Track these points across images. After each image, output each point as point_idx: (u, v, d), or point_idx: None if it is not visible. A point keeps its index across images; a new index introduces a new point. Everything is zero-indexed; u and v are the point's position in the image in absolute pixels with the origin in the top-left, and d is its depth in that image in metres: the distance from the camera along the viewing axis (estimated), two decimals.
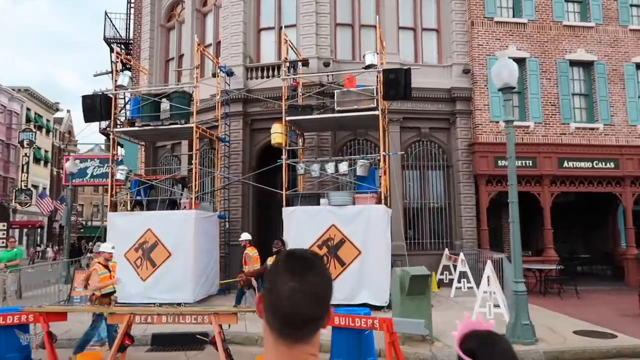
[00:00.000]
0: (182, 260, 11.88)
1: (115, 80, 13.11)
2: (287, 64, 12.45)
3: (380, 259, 11.25)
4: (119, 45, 19.83)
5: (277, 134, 12.04)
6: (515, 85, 8.88)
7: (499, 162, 14.79)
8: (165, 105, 13.32)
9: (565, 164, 15.01)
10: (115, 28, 20.13)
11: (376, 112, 11.57)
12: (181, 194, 12.95)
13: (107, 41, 19.99)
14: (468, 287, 12.83)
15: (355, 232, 11.32)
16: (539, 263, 14.03)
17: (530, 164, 14.85)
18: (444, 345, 8.12)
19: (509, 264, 11.33)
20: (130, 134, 13.42)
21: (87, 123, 13.15)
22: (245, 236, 10.91)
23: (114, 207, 13.07)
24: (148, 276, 12.01)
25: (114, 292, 8.04)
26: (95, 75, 23.66)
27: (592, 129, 15.52)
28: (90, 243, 46.88)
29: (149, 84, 15.61)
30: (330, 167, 11.88)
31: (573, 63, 15.76)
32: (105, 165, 20.53)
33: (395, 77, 11.31)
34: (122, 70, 13.93)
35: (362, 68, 12.01)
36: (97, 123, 18.85)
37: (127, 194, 13.25)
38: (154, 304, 10.95)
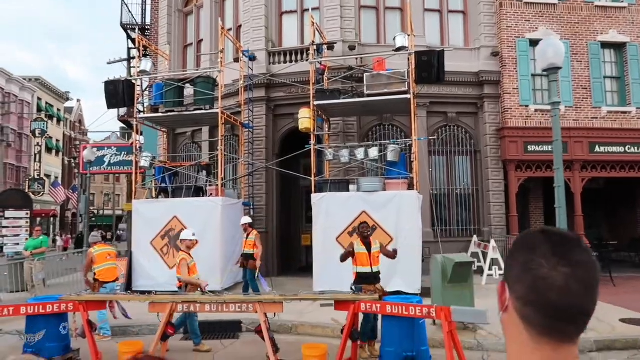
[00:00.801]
0: (209, 247, 11.68)
1: (133, 67, 12.87)
2: (315, 47, 12.10)
3: (412, 246, 10.99)
4: (134, 30, 19.53)
5: (305, 119, 11.75)
6: (562, 65, 8.51)
7: (528, 147, 14.45)
8: (188, 90, 13.09)
9: (597, 149, 14.61)
10: (132, 14, 19.83)
11: (407, 96, 11.24)
12: (206, 181, 12.72)
13: (124, 27, 19.69)
14: (499, 275, 12.56)
15: (386, 219, 11.07)
16: None
17: (562, 149, 14.43)
18: (488, 333, 7.89)
19: None
20: (153, 120, 13.18)
21: (110, 109, 12.93)
22: (246, 219, 10.83)
23: (137, 195, 12.88)
24: (175, 264, 11.82)
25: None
26: (109, 63, 23.51)
27: (625, 112, 15.08)
28: (110, 233, 47.08)
29: (168, 70, 15.32)
30: (360, 153, 11.58)
31: (605, 45, 15.28)
32: (123, 153, 20.35)
33: (428, 59, 10.97)
34: (138, 57, 13.62)
35: (393, 50, 11.67)
36: (113, 111, 18.67)
37: (151, 181, 13.04)
38: (180, 292, 10.87)
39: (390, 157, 11.36)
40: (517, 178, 14.45)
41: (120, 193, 67.75)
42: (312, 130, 11.72)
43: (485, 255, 13.16)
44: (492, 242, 12.80)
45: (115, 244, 33.56)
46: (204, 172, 12.93)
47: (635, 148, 14.85)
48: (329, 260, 11.24)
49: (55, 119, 47.62)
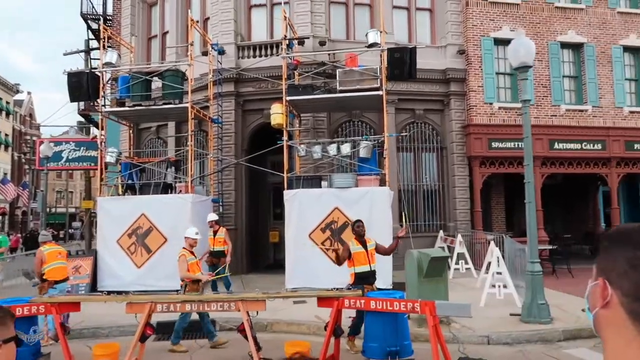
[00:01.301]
0: (179, 245, 11.37)
1: (93, 58, 12.37)
2: (287, 42, 12.00)
3: (383, 241, 11.05)
4: (95, 20, 18.78)
5: (278, 115, 11.65)
6: (532, 64, 8.79)
7: (492, 144, 14.88)
8: (156, 84, 12.73)
9: (556, 146, 15.22)
10: (92, 3, 19.05)
11: (380, 92, 11.34)
12: (175, 178, 12.43)
13: (84, 17, 18.89)
14: (466, 269, 12.90)
15: (359, 215, 11.00)
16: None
17: (523, 146, 14.91)
18: (461, 326, 8.09)
19: (510, 243, 11.45)
20: (120, 114, 12.75)
21: (73, 102, 12.39)
22: (213, 216, 10.76)
23: (102, 192, 12.43)
24: (143, 263, 11.55)
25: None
26: (65, 54, 22.46)
27: (581, 110, 15.77)
28: (62, 231, 45.20)
29: (131, 63, 14.82)
30: (332, 149, 11.60)
31: (564, 45, 15.91)
32: (82, 148, 19.62)
33: (401, 56, 11.10)
34: (102, 48, 13.09)
35: (365, 47, 11.72)
36: (67, 104, 17.93)
37: (117, 177, 12.61)
38: (150, 291, 10.59)
39: (362, 153, 11.43)
40: (482, 174, 14.87)
41: (74, 190, 65.24)
42: (284, 126, 11.63)
43: (451, 249, 13.48)
44: (459, 237, 13.13)
45: (74, 242, 32.28)
46: (173, 169, 12.61)
47: (591, 145, 15.56)
48: (301, 256, 11.25)
49: (4, 112, 45.25)
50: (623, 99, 16.15)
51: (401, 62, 11.08)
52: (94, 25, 18.92)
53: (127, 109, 12.05)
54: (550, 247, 13.43)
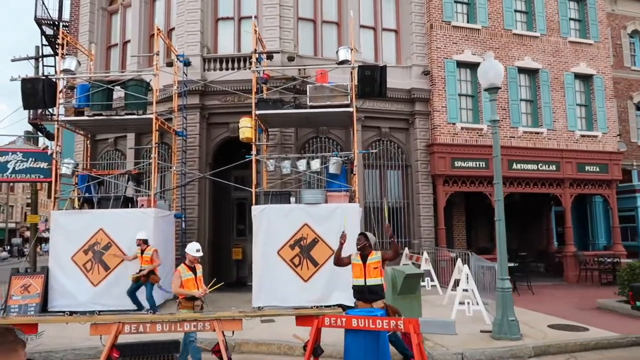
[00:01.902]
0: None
1: (47, 65, 11.75)
2: (257, 56, 11.86)
3: None
4: (50, 27, 17.97)
5: (247, 129, 11.43)
6: (501, 85, 9.05)
7: (455, 163, 15.21)
8: (118, 93, 12.24)
9: (514, 166, 15.74)
10: (46, 8, 18.22)
11: (350, 109, 11.36)
12: (137, 191, 11.89)
13: (39, 22, 18.03)
14: (432, 286, 13.00)
15: (329, 231, 10.99)
16: (494, 261, 14.53)
17: (484, 165, 15.39)
18: (435, 344, 8.05)
19: (475, 260, 11.63)
20: (79, 123, 12.13)
21: (27, 109, 11.68)
22: (143, 234, 10.32)
23: (54, 206, 11.71)
24: (100, 281, 10.91)
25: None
26: (14, 60, 21.35)
27: (537, 133, 16.44)
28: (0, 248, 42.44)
29: (90, 71, 14.20)
30: (302, 164, 11.47)
31: (521, 70, 16.61)
32: (30, 159, 18.50)
33: (371, 74, 11.18)
34: (61, 55, 12.48)
35: (336, 63, 11.75)
36: (17, 113, 16.98)
37: (73, 190, 11.92)
38: (108, 311, 9.99)
39: (332, 169, 11.37)
40: (445, 192, 15.14)
41: (14, 204, 61.63)
42: (253, 141, 11.41)
43: (416, 267, 13.55)
44: (425, 254, 13.24)
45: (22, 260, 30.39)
46: (134, 182, 12.07)
47: (547, 166, 16.21)
48: (269, 274, 10.96)
49: None
50: (575, 123, 16.98)
51: (372, 80, 11.16)
52: (49, 31, 18.09)
53: (86, 118, 11.48)
54: (512, 264, 13.74)
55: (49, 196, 22.39)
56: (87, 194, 11.65)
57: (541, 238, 19.58)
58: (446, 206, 15.41)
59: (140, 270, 10.10)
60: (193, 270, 6.96)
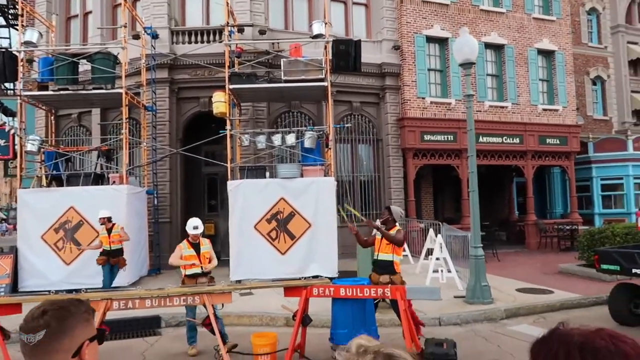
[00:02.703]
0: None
1: (3, 37, 11.18)
2: (229, 28, 11.64)
3: (329, 231, 11.24)
4: None
5: (220, 103, 11.29)
6: (475, 60, 9.27)
7: (425, 136, 15.54)
8: (84, 67, 11.81)
9: (481, 139, 16.16)
10: None
11: (325, 84, 11.38)
12: (107, 168, 11.61)
13: None
14: (404, 255, 13.36)
15: (305, 205, 11.14)
16: (462, 230, 15.08)
17: (452, 139, 15.80)
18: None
19: (446, 230, 12.05)
20: (43, 98, 11.63)
21: None
22: (107, 212, 9.41)
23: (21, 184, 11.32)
24: (73, 259, 10.70)
25: (203, 273, 6.82)
26: None
27: (502, 107, 16.94)
28: None
29: (51, 43, 13.56)
30: (277, 139, 11.47)
31: (488, 45, 16.96)
32: None
33: (346, 48, 11.20)
34: (21, 26, 11.87)
35: (311, 37, 11.68)
36: None
37: (40, 168, 11.52)
38: (81, 290, 9.85)
39: (307, 143, 11.42)
40: (415, 165, 15.49)
41: (18, 181, 58.79)
42: (227, 115, 11.30)
43: None
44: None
45: None
46: (104, 158, 11.76)
47: (511, 139, 16.79)
48: (246, 248, 11.03)
49: None
50: (537, 98, 17.57)
51: (346, 54, 11.20)
52: (2, 1, 17.06)
53: (52, 93, 11.03)
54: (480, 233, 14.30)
55: (6, 174, 21.50)
56: (54, 172, 11.28)
57: (503, 208, 20.37)
58: (415, 179, 15.78)
59: (110, 252, 9.39)
60: (196, 246, 6.80)
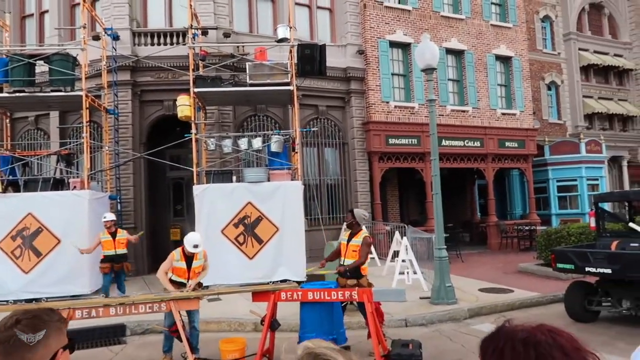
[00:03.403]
0: (74, 247, 10.42)
1: None
2: (193, 31, 11.52)
3: (297, 235, 11.24)
4: None
5: (185, 107, 11.13)
6: (436, 66, 9.51)
7: (390, 140, 15.79)
8: (40, 68, 11.43)
9: (443, 142, 16.58)
10: None
11: (291, 88, 11.39)
12: (67, 172, 11.27)
13: None
14: (370, 258, 13.54)
15: (272, 209, 11.11)
16: (427, 232, 15.39)
17: (416, 142, 16.11)
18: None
19: (411, 232, 12.30)
20: None
21: None
22: (112, 216, 9.69)
23: None
24: (32, 268, 10.31)
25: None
26: None
27: (463, 111, 17.41)
28: None
29: (6, 44, 13.06)
30: (243, 143, 11.40)
31: (448, 51, 17.40)
32: None
33: (311, 52, 11.25)
34: None
35: (275, 41, 11.70)
36: None
37: None
38: (41, 299, 9.53)
39: (274, 147, 11.41)
40: (380, 168, 15.72)
41: None
42: (192, 119, 11.17)
43: None
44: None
45: None
46: (64, 163, 11.41)
47: (472, 142, 17.27)
48: (213, 253, 10.80)
49: None
50: (496, 102, 18.16)
51: (311, 58, 11.25)
52: None
53: (7, 95, 10.62)
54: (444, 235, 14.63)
55: None
56: (10, 177, 10.86)
57: (465, 209, 20.92)
58: (381, 182, 16.02)
59: (115, 257, 9.25)
60: (189, 260, 6.43)
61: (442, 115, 16.91)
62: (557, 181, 19.78)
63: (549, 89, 22.84)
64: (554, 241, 11.64)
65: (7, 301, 9.18)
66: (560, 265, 8.00)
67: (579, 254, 7.79)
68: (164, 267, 6.46)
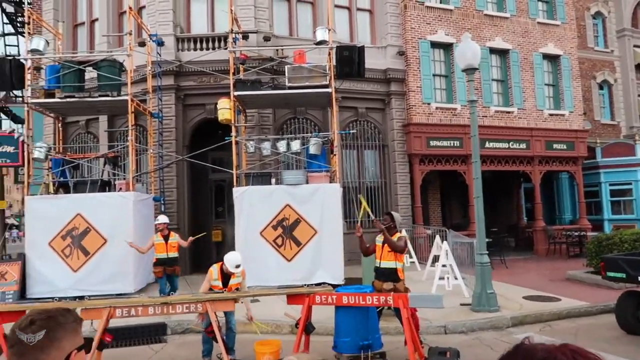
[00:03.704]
0: (119, 247, 10.75)
1: (8, 44, 11.28)
2: (234, 35, 11.70)
3: (335, 237, 11.22)
4: (10, 3, 17.17)
5: (225, 110, 11.32)
6: (478, 66, 9.24)
7: (431, 142, 15.50)
8: (90, 75, 11.92)
9: (487, 145, 16.14)
10: None
11: (329, 90, 11.39)
12: (114, 175, 11.68)
13: None
14: (410, 262, 13.32)
15: (311, 212, 11.14)
16: (469, 237, 14.98)
17: (458, 144, 15.74)
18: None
19: (452, 237, 12.00)
20: (49, 106, 11.74)
21: None
22: (165, 218, 9.48)
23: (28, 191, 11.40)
24: (80, 266, 10.75)
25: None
26: None
27: (508, 112, 16.86)
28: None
29: (58, 51, 13.70)
30: (282, 145, 11.49)
31: (492, 50, 16.92)
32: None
33: (350, 54, 11.21)
34: (28, 34, 11.99)
35: (314, 44, 11.72)
36: None
37: (47, 175, 11.61)
38: (89, 296, 9.89)
39: (312, 150, 11.43)
40: (421, 171, 15.44)
41: (25, 188, 59.29)
42: (232, 122, 11.34)
43: None
44: (403, 232, 13.49)
45: None
46: (111, 165, 11.83)
47: (517, 144, 16.70)
48: (252, 255, 11.00)
49: None
50: (543, 103, 17.49)
51: (350, 60, 11.21)
52: (10, 9, 17.30)
53: (58, 100, 11.13)
54: (486, 239, 14.21)
55: (16, 181, 21.67)
56: (61, 179, 11.37)
57: (511, 214, 20.25)
58: (422, 184, 15.73)
59: (167, 260, 9.08)
60: (226, 277, 6.38)
61: (486, 116, 16.45)
62: (610, 185, 18.82)
63: (601, 88, 21.80)
64: (605, 248, 11.05)
65: (52, 298, 9.61)
66: (610, 274, 7.57)
67: (632, 262, 7.35)
68: (203, 288, 6.44)
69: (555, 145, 17.30)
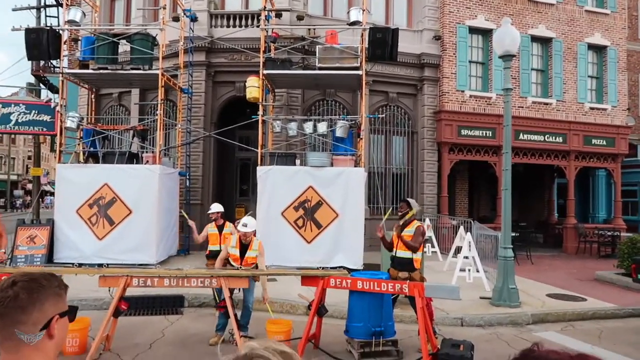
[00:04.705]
0: (144, 218, 10.99)
1: (49, 16, 11.43)
2: (267, 13, 11.56)
3: (356, 222, 11.11)
4: None
5: (254, 88, 11.27)
6: (516, 53, 8.85)
7: (462, 131, 15.09)
8: (123, 47, 12.02)
9: (521, 136, 15.62)
10: None
11: (360, 72, 11.16)
12: (142, 147, 11.84)
13: None
14: (432, 252, 13.12)
15: (333, 195, 11.04)
16: (494, 230, 14.61)
17: (490, 135, 15.28)
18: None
19: (477, 229, 11.70)
20: (82, 77, 11.94)
21: (31, 60, 11.49)
22: (218, 207, 7.99)
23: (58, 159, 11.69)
24: (105, 235, 11.00)
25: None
26: (14, 10, 20.87)
27: (546, 103, 16.23)
28: (3, 199, 42.75)
29: (94, 23, 13.88)
30: (308, 127, 11.37)
31: (534, 38, 16.25)
32: (33, 111, 18.31)
33: (383, 36, 10.92)
34: (66, 5, 12.14)
35: (347, 24, 11.47)
36: (27, 63, 16.72)
37: (78, 144, 11.87)
38: (107, 265, 10.11)
39: (339, 132, 11.28)
40: (450, 160, 15.09)
41: (16, 156, 61.63)
42: (260, 101, 11.27)
43: None
44: (427, 221, 13.30)
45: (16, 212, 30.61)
46: (139, 138, 11.99)
47: (553, 137, 16.09)
48: (272, 234, 11.02)
49: None
50: (585, 95, 16.75)
51: (383, 42, 10.92)
52: None
53: (91, 71, 11.30)
54: (513, 234, 13.83)
55: (52, 149, 22.35)
56: (92, 149, 11.59)
57: (542, 209, 19.65)
58: (450, 174, 15.39)
59: (218, 252, 7.64)
60: (244, 247, 6.35)
61: (522, 107, 15.88)
62: None
63: None
64: (639, 250, 10.58)
65: (72, 264, 9.87)
66: None
67: None
68: (222, 255, 6.50)
69: (594, 141, 16.59)
